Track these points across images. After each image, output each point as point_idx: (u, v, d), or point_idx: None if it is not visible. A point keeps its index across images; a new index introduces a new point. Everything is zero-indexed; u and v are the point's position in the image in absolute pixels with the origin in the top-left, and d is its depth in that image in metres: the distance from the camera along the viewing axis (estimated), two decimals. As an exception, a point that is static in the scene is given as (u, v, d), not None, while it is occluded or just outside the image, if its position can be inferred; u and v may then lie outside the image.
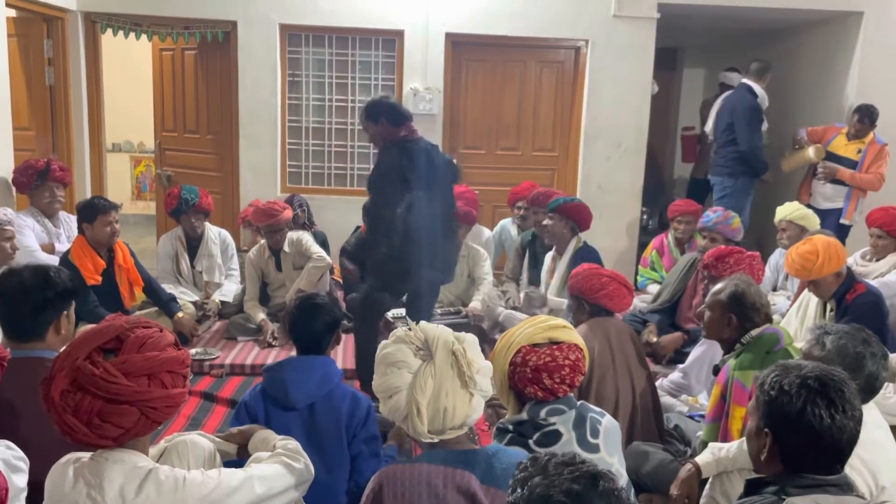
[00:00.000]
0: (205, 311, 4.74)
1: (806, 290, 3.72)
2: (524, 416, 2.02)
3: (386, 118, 3.69)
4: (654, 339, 4.24)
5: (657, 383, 3.31)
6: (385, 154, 3.72)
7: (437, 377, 1.68)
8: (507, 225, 5.65)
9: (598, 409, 2.10)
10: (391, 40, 5.99)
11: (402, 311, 4.69)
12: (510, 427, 2.02)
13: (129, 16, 5.72)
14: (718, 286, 2.78)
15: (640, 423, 2.84)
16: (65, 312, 2.21)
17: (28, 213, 4.53)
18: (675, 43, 8.27)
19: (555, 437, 1.97)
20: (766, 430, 1.57)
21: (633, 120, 6.11)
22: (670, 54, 8.39)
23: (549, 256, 4.71)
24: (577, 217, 4.53)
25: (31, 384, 1.92)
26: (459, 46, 6.05)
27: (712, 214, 4.62)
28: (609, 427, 2.04)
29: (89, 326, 3.50)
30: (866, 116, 5.40)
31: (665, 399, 3.38)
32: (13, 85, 4.84)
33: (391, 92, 6.07)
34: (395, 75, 6.04)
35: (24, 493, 1.69)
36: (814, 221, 4.61)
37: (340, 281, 5.23)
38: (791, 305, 4.14)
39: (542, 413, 1.99)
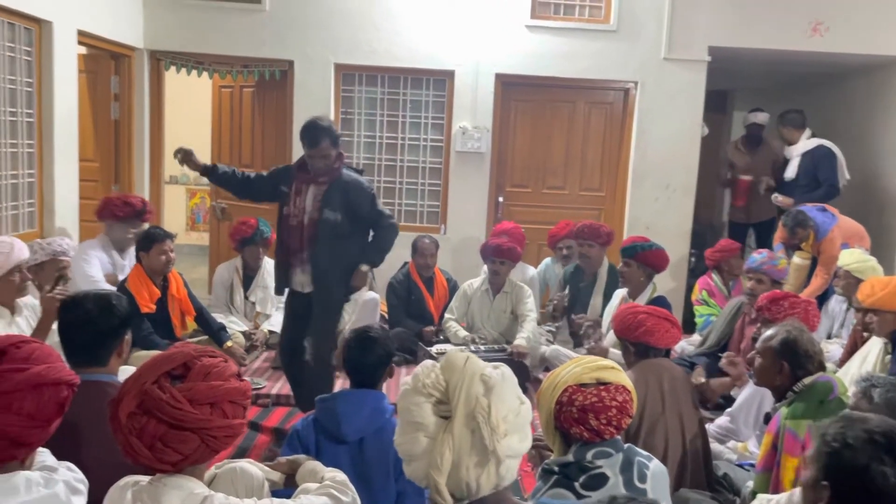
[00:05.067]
0: (252, 341, 4.83)
1: (871, 340, 3.64)
2: (570, 457, 2.00)
3: (338, 142, 3.73)
4: (703, 380, 4.16)
5: (704, 428, 3.25)
6: (357, 180, 3.81)
7: (455, 450, 1.43)
8: (551, 263, 5.67)
9: (645, 452, 2.08)
10: (442, 80, 6.12)
11: (446, 346, 4.73)
12: (556, 468, 2.00)
13: (192, 54, 5.97)
14: (770, 332, 2.73)
15: (690, 470, 2.78)
16: (126, 338, 2.30)
17: (98, 243, 4.60)
18: (725, 86, 8.24)
19: (601, 480, 1.95)
20: (825, 483, 1.51)
21: (683, 161, 6.10)
22: (721, 97, 8.36)
23: (618, 297, 4.60)
24: (656, 263, 4.43)
25: (93, 408, 1.99)
26: (509, 87, 6.14)
27: (758, 256, 4.56)
28: (657, 472, 2.02)
29: (142, 352, 3.63)
30: (797, 226, 5.11)
31: (713, 446, 3.31)
32: (80, 118, 5.07)
33: (440, 130, 6.19)
34: (444, 114, 6.16)
35: (83, 515, 1.74)
36: (872, 274, 4.48)
37: (386, 315, 5.28)
38: (844, 353, 4.04)
39: (589, 455, 1.98)
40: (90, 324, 2.22)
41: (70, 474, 1.69)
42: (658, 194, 6.15)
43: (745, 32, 5.88)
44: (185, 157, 3.73)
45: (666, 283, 6.10)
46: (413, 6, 5.92)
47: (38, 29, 4.48)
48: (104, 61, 5.71)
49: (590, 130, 6.28)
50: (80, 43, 4.99)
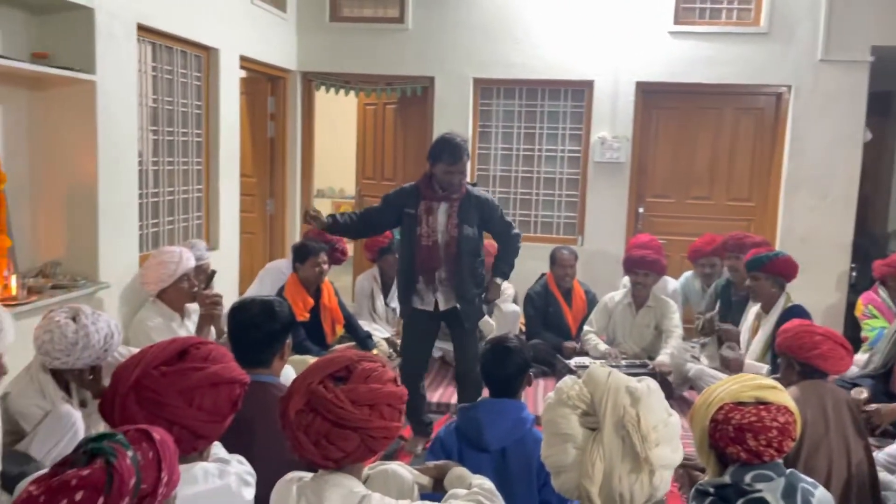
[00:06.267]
0: (395, 348, 4.97)
1: None
2: (727, 479, 1.91)
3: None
4: (865, 397, 3.84)
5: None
6: (484, 194, 3.83)
7: (606, 458, 1.45)
8: (691, 277, 5.46)
9: (810, 479, 1.95)
10: (580, 90, 6.07)
11: (585, 360, 4.66)
12: (711, 490, 1.92)
13: (340, 74, 6.28)
14: (950, 355, 2.50)
15: (856, 499, 2.58)
16: (287, 341, 2.45)
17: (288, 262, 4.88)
18: (890, 87, 7.60)
19: (761, 505, 1.86)
20: None
21: (842, 169, 5.70)
22: (885, 99, 7.70)
23: (752, 312, 4.40)
24: (784, 272, 4.19)
25: (259, 406, 2.14)
26: (650, 95, 5.99)
27: None
28: (823, 500, 1.89)
29: (297, 357, 3.83)
30: None
31: (881, 475, 3.05)
32: (240, 137, 5.46)
33: (578, 141, 6.13)
34: (582, 124, 6.10)
35: (251, 506, 1.87)
36: None
37: (523, 328, 5.28)
38: None
39: (747, 478, 1.88)
40: (255, 327, 2.39)
41: (241, 467, 1.83)
42: (814, 204, 5.77)
43: (913, 28, 5.43)
44: (315, 220, 3.76)
45: (825, 299, 5.72)
46: (552, 19, 5.92)
47: (206, 56, 4.88)
48: (261, 83, 6.13)
49: (738, 137, 6.00)
50: (242, 67, 5.37)
